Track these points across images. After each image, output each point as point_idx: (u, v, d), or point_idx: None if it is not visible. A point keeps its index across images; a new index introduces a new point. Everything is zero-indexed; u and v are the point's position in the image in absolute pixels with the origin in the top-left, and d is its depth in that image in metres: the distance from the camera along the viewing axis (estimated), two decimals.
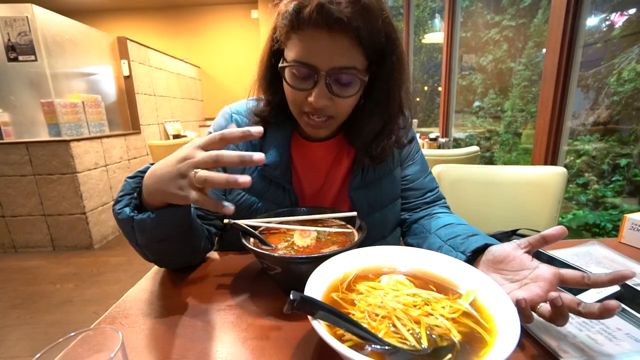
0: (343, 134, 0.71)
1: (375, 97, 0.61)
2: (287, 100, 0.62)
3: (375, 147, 0.65)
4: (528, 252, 0.44)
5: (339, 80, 0.55)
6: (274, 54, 0.61)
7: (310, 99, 0.55)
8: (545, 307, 0.38)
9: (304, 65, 0.53)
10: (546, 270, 0.41)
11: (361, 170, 0.69)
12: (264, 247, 0.53)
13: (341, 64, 0.53)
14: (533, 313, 0.39)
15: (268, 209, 0.67)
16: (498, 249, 0.47)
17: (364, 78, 0.56)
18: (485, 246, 0.50)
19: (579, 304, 0.36)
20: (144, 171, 0.52)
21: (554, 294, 0.35)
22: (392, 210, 0.73)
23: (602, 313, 0.34)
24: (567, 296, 0.37)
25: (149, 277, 0.60)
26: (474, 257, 0.51)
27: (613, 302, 0.33)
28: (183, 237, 0.56)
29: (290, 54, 0.55)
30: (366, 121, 0.63)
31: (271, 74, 0.64)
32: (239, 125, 0.71)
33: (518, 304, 0.37)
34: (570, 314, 0.37)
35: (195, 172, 0.43)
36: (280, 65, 0.57)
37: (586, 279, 0.38)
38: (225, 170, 0.62)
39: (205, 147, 0.45)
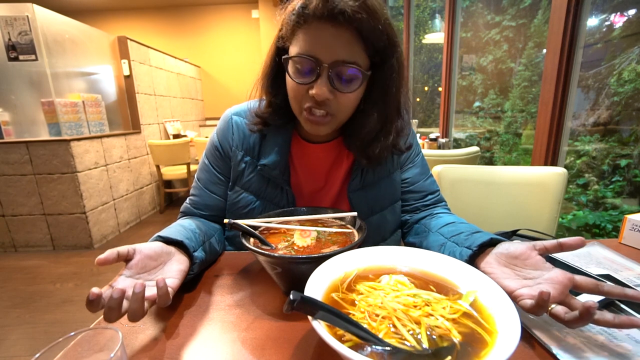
0: (342, 139, 0.71)
1: (374, 98, 0.62)
2: (288, 97, 0.62)
3: (373, 148, 0.65)
4: (542, 255, 0.45)
5: (341, 74, 0.56)
6: (279, 53, 0.62)
7: (312, 91, 0.56)
8: (558, 308, 0.38)
9: (307, 58, 0.55)
10: (561, 275, 0.41)
11: (360, 172, 0.69)
12: (264, 247, 0.53)
13: (343, 58, 0.54)
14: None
15: (265, 209, 0.68)
16: (513, 245, 0.47)
17: (365, 73, 0.57)
18: (491, 241, 0.50)
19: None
20: None
21: (590, 302, 0.36)
22: (391, 213, 0.73)
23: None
24: (588, 302, 0.37)
25: None
26: (478, 253, 0.51)
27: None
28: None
29: (294, 49, 0.57)
30: (365, 122, 0.64)
31: (275, 73, 0.65)
32: (237, 127, 0.71)
33: (541, 295, 0.37)
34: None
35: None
36: (284, 57, 0.58)
37: (600, 287, 0.38)
38: None
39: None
